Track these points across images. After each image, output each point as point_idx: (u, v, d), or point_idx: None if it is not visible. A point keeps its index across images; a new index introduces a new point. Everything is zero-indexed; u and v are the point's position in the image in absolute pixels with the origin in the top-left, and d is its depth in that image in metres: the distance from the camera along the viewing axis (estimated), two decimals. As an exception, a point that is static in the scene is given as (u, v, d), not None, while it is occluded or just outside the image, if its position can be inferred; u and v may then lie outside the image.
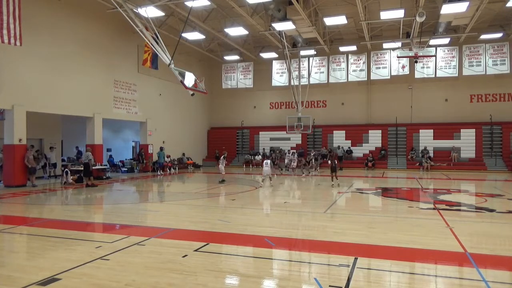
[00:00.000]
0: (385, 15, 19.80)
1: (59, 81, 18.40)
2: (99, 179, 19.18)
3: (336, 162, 17.27)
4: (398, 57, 25.51)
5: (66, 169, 17.87)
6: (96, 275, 5.33)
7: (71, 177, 17.62)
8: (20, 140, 16.59)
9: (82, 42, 19.76)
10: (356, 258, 5.97)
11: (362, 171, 25.91)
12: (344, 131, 29.62)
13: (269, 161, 17.31)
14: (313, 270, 5.71)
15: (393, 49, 26.06)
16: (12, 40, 13.80)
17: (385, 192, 15.11)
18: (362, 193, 15.18)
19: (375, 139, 28.93)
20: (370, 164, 26.92)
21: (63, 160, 22.19)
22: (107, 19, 20.62)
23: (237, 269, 5.70)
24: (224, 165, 18.96)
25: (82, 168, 17.45)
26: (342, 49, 27.22)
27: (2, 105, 16.00)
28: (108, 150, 25.40)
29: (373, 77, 27.11)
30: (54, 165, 20.40)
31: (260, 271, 5.61)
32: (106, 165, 21.67)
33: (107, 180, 19.59)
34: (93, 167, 18.01)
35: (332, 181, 16.58)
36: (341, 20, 20.93)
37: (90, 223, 9.69)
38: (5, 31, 13.54)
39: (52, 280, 5.10)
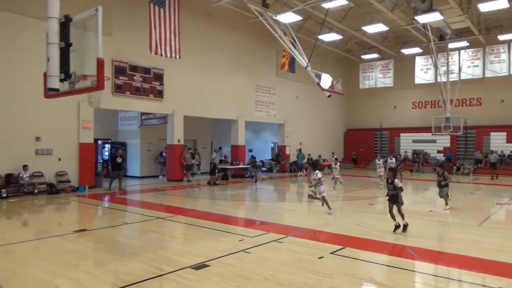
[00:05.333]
0: None
1: (209, 88, 20.57)
2: (242, 178, 20.68)
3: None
4: None
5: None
6: (239, 266, 5.81)
7: (217, 174, 19.47)
8: (178, 140, 19.15)
9: (228, 52, 21.70)
10: (519, 282, 5.12)
11: (529, 179, 21.91)
12: (504, 133, 25.56)
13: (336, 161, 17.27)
14: (463, 288, 5.13)
15: None
16: (173, 54, 16.05)
17: (562, 207, 12.49)
18: (528, 205, 12.85)
19: (547, 142, 24.20)
20: (540, 171, 22.59)
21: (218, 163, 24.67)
22: (249, 28, 22.16)
23: (374, 277, 5.49)
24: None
25: (228, 167, 19.21)
26: (501, 37, 23.53)
27: (165, 111, 18.75)
28: (250, 150, 27.24)
29: (545, 68, 22.74)
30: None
31: (400, 283, 5.27)
32: (248, 165, 23.26)
33: (248, 179, 21.04)
34: (237, 166, 19.57)
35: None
36: (501, 4, 18.09)
37: (234, 217, 10.61)
38: (167, 47, 15.83)
39: (203, 266, 5.76)
